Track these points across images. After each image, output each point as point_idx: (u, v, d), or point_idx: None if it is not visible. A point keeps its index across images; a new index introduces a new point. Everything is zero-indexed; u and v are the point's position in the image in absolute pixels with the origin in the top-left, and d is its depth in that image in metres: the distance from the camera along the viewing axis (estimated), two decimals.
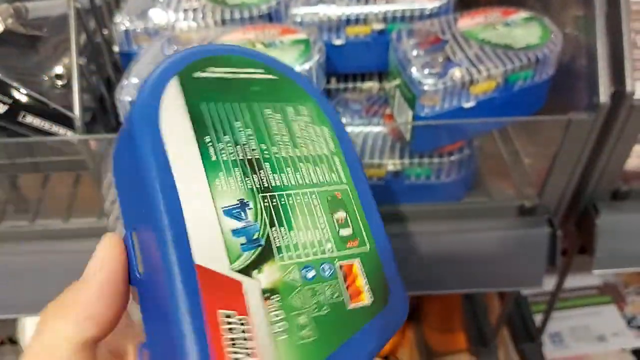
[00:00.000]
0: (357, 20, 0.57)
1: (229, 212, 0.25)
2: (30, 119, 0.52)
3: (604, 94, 0.51)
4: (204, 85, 0.28)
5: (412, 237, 0.57)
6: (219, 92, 0.28)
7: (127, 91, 0.49)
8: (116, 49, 0.59)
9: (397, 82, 0.54)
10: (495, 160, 0.64)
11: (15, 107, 0.51)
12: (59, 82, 0.54)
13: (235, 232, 0.25)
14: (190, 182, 0.25)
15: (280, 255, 0.25)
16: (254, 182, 0.27)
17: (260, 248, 0.25)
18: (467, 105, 0.52)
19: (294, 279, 0.25)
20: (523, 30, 0.55)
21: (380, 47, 0.58)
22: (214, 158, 0.26)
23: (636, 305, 0.90)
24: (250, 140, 0.28)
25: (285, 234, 0.26)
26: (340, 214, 0.28)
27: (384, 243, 0.28)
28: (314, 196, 0.28)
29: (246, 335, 0.23)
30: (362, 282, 0.26)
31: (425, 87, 0.50)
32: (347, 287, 0.26)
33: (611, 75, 0.51)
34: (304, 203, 0.27)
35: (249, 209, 0.26)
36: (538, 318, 0.80)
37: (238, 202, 0.26)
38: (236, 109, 0.28)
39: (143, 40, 0.58)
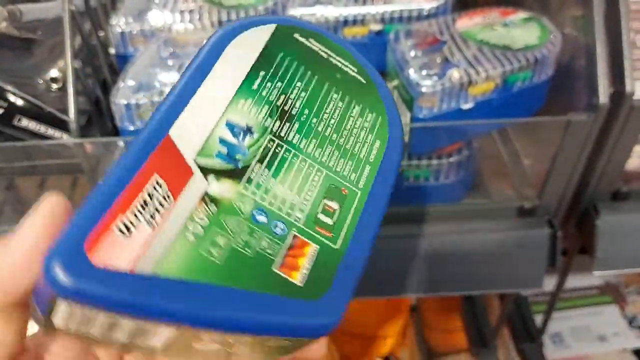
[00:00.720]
0: (355, 21, 0.57)
1: (230, 126, 0.26)
2: (25, 123, 0.51)
3: (604, 95, 0.50)
4: (295, 46, 0.30)
5: (412, 239, 0.57)
6: (303, 57, 0.29)
7: (123, 93, 0.49)
8: (112, 51, 0.59)
9: (395, 83, 0.54)
10: (495, 161, 0.64)
11: (11, 110, 0.51)
12: (54, 85, 0.54)
13: (222, 142, 0.25)
14: (216, 87, 0.26)
15: (247, 185, 0.25)
16: (274, 125, 0.27)
17: (233, 166, 0.25)
18: (466, 106, 0.51)
19: (242, 209, 0.25)
20: (522, 31, 0.54)
21: (377, 48, 0.57)
22: (254, 87, 0.27)
23: (637, 305, 0.89)
24: (297, 100, 0.28)
25: (265, 176, 0.26)
26: (333, 204, 0.27)
27: (357, 256, 0.26)
28: (319, 174, 0.27)
29: (160, 209, 0.23)
30: (304, 263, 0.25)
31: (423, 89, 0.50)
32: (286, 256, 0.25)
33: (610, 75, 0.51)
34: (304, 171, 0.27)
35: (250, 137, 0.26)
36: (538, 318, 0.80)
37: (245, 126, 0.26)
38: (306, 75, 0.29)
39: (139, 42, 0.57)
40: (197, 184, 0.24)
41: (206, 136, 0.25)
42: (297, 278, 0.24)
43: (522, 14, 0.56)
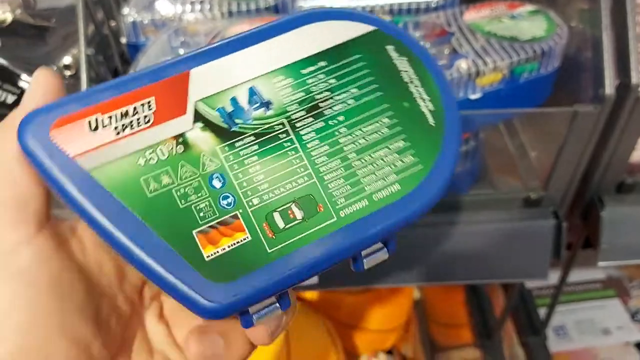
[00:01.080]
0: None
1: (251, 91, 0.26)
2: None
3: (610, 86, 0.51)
4: (379, 55, 0.27)
5: (417, 229, 0.57)
6: (379, 69, 0.27)
7: None
8: (124, 40, 0.60)
9: None
10: (501, 153, 0.65)
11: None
12: (67, 73, 0.55)
13: (233, 101, 0.25)
14: (265, 53, 0.26)
15: (225, 149, 0.25)
16: (296, 113, 0.26)
17: (226, 126, 0.25)
18: (474, 96, 0.52)
19: (205, 166, 0.24)
20: (529, 23, 0.55)
21: None
22: (303, 71, 0.26)
23: None
24: (339, 104, 0.26)
25: (250, 151, 0.25)
26: (297, 212, 0.25)
27: (283, 273, 0.24)
28: (305, 178, 0.25)
29: (135, 126, 0.24)
30: (225, 244, 0.24)
31: None
32: (214, 228, 0.24)
33: (616, 67, 0.51)
34: (292, 168, 0.25)
35: (264, 111, 0.25)
36: (542, 312, 0.80)
37: (265, 98, 0.26)
38: (368, 87, 0.27)
39: (150, 32, 0.58)
40: (181, 124, 0.24)
41: (222, 89, 0.25)
42: (208, 252, 0.24)
43: (529, 7, 0.57)
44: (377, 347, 0.94)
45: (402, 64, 0.28)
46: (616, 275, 0.93)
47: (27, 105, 0.24)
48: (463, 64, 0.51)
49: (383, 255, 0.27)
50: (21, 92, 0.52)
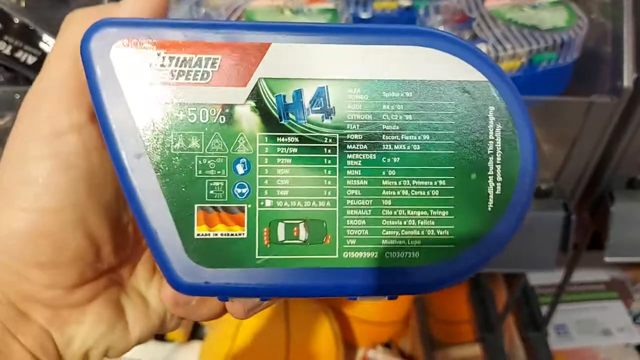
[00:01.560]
0: None
1: (319, 92, 0.23)
2: None
3: (628, 79, 0.51)
4: (476, 111, 0.24)
5: None
6: (465, 124, 0.24)
7: None
8: None
9: None
10: None
11: (44, 59, 0.52)
12: None
13: (296, 94, 0.23)
14: (361, 58, 0.23)
15: (264, 138, 0.23)
16: (352, 134, 0.23)
17: (277, 116, 0.23)
18: None
19: (235, 147, 0.23)
20: (550, 13, 0.55)
21: (406, 22, 0.58)
22: (385, 94, 0.23)
23: None
24: (401, 145, 0.24)
25: (286, 152, 0.23)
26: (302, 232, 0.24)
27: (262, 282, 0.24)
28: (327, 204, 0.24)
29: (190, 77, 0.23)
30: (219, 231, 0.23)
31: None
32: (216, 210, 0.23)
33: (635, 60, 0.51)
34: (319, 186, 0.23)
35: (321, 117, 0.23)
36: (545, 310, 0.81)
37: (330, 105, 0.23)
38: (443, 129, 0.24)
39: (171, 2, 0.58)
40: (236, 95, 0.23)
41: (292, 76, 0.23)
42: (200, 231, 0.23)
43: None
44: (375, 339, 0.94)
45: (495, 131, 0.24)
46: (620, 278, 0.93)
47: (125, 7, 0.24)
48: (483, 49, 0.51)
49: (381, 298, 0.25)
50: (42, 54, 0.52)
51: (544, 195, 0.59)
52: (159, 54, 0.23)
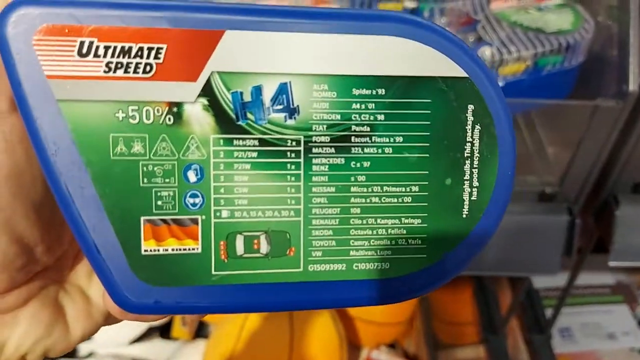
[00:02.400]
0: None
1: (281, 88, 0.20)
2: None
3: (633, 83, 0.51)
4: (455, 110, 0.22)
5: None
6: (442, 125, 0.22)
7: None
8: None
9: None
10: (518, 146, 0.64)
11: None
12: None
13: (255, 90, 0.20)
14: (320, 51, 0.20)
15: (219, 141, 0.20)
16: (319, 136, 0.21)
17: (233, 116, 0.20)
18: None
19: (187, 151, 0.20)
20: (555, 16, 0.55)
21: None
22: (354, 91, 0.21)
23: None
24: (373, 148, 0.22)
25: (244, 156, 0.21)
26: (263, 245, 0.21)
27: (217, 298, 0.22)
28: (292, 214, 0.22)
29: (130, 69, 0.19)
30: (169, 246, 0.21)
31: None
32: (166, 223, 0.21)
33: None
34: (282, 194, 0.21)
35: (284, 116, 0.21)
36: (549, 313, 0.80)
37: (294, 104, 0.21)
38: (417, 130, 0.22)
39: None
40: (184, 91, 0.20)
41: (250, 70, 0.20)
42: (147, 246, 0.21)
43: (557, 0, 0.57)
44: (379, 340, 0.94)
45: (473, 132, 0.22)
46: (625, 282, 0.93)
47: None
48: (487, 52, 0.51)
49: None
50: None
51: (549, 199, 0.59)
52: (91, 43, 0.19)
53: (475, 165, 0.22)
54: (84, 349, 0.83)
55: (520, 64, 0.52)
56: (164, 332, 0.87)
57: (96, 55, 0.19)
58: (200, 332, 0.91)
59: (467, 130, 0.22)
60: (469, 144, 0.22)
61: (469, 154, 0.22)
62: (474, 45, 0.52)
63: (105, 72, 0.19)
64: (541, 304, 0.80)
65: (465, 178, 0.22)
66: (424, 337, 0.92)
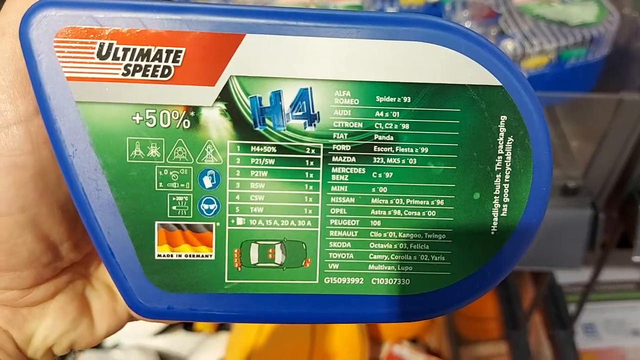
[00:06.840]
0: None
1: (301, 93, 0.20)
2: None
3: None
4: (486, 121, 0.21)
5: None
6: (472, 136, 0.21)
7: None
8: None
9: None
10: None
11: None
12: None
13: (274, 95, 0.20)
14: (343, 56, 0.20)
15: (237, 147, 0.20)
16: (341, 145, 0.20)
17: (251, 122, 0.20)
18: None
19: (204, 157, 0.20)
20: (579, 8, 0.54)
21: None
22: (378, 99, 0.20)
23: None
24: (396, 159, 0.21)
25: (262, 163, 0.20)
26: (278, 254, 0.21)
27: (225, 307, 0.22)
28: (310, 226, 0.21)
29: (149, 73, 0.19)
30: (183, 251, 0.21)
31: None
32: (181, 229, 0.21)
33: None
34: (299, 204, 0.21)
35: (303, 124, 0.20)
36: (572, 309, 0.80)
37: (314, 110, 0.20)
38: (445, 141, 0.21)
39: None
40: (203, 95, 0.20)
41: (270, 75, 0.20)
42: (161, 251, 0.21)
43: None
44: (401, 334, 0.94)
45: (505, 144, 0.21)
46: None
47: None
48: (509, 45, 0.51)
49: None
50: None
51: (572, 193, 0.58)
52: (111, 45, 0.19)
53: (506, 180, 0.21)
54: (109, 339, 0.84)
55: (543, 58, 0.52)
56: (188, 324, 0.88)
57: (115, 57, 0.19)
58: (223, 324, 0.92)
59: (499, 142, 0.21)
60: (500, 156, 0.21)
61: (499, 168, 0.21)
62: (496, 38, 0.52)
63: (123, 74, 0.19)
64: (564, 300, 0.80)
65: (495, 193, 0.21)
66: (445, 332, 0.92)
